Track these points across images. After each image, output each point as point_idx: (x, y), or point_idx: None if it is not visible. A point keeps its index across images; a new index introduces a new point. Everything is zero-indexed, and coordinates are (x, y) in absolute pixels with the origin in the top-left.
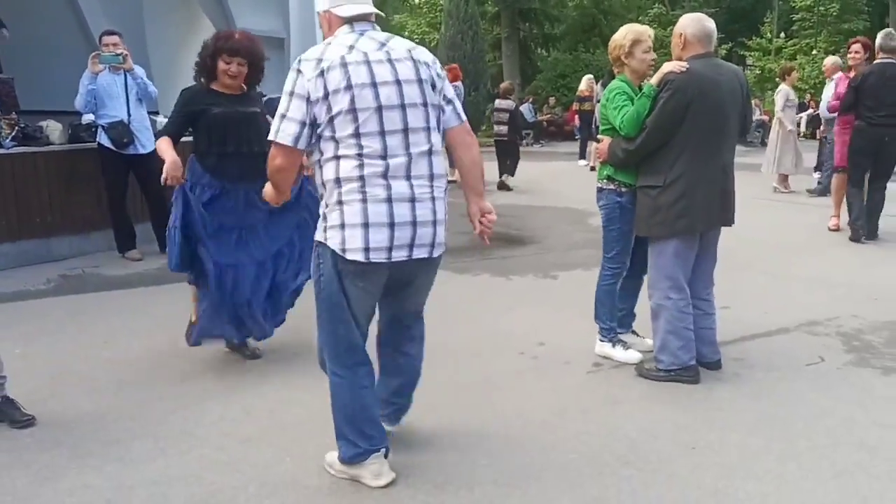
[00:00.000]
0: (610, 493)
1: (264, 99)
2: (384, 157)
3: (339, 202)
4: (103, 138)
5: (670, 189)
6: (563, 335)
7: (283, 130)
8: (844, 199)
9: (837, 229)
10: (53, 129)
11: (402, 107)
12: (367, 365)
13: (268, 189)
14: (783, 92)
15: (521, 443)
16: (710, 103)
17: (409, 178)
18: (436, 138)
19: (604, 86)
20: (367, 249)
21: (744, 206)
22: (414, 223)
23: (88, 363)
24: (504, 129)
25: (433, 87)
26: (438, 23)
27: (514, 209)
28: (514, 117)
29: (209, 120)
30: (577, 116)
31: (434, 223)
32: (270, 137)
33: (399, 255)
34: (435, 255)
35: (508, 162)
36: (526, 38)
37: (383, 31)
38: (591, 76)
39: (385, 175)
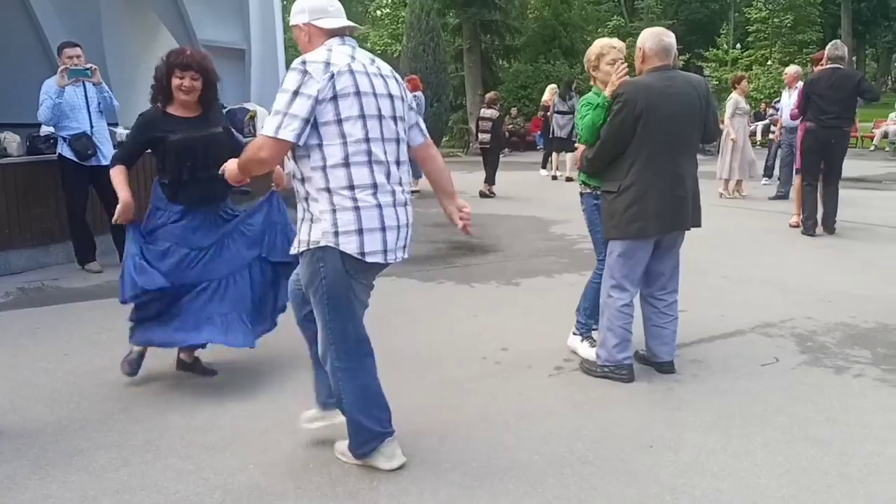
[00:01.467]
0: (571, 492)
1: (225, 110)
2: (387, 162)
3: (356, 207)
4: (65, 150)
5: (624, 195)
6: (525, 340)
7: (286, 127)
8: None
9: (798, 226)
10: (11, 141)
11: (395, 118)
12: (373, 355)
13: (232, 168)
14: (733, 100)
15: (485, 445)
16: (660, 115)
17: (399, 183)
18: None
19: (560, 96)
20: (385, 252)
21: (703, 212)
22: (407, 224)
23: (49, 375)
24: (487, 136)
25: (407, 105)
26: (401, 34)
27: (477, 218)
28: (496, 126)
29: (167, 147)
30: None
31: (411, 225)
32: (269, 133)
33: (401, 255)
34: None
35: (487, 169)
36: (487, 49)
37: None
38: (554, 86)
39: (388, 180)
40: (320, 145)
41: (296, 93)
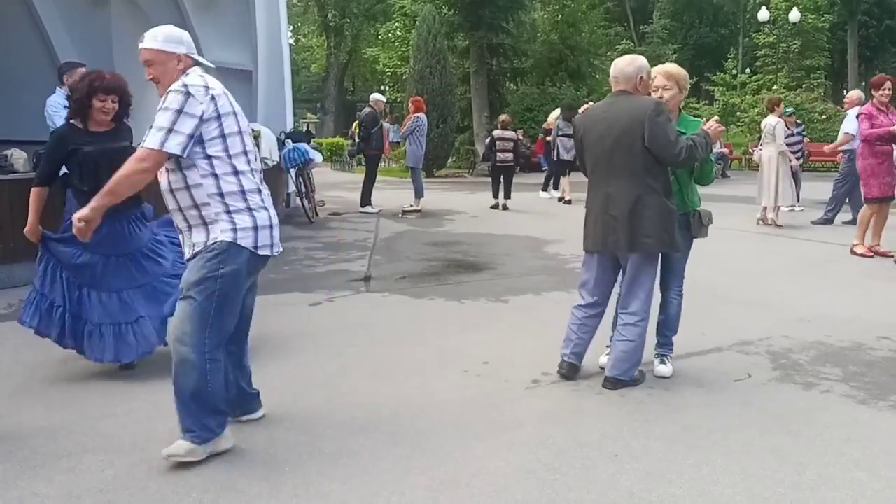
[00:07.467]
0: (533, 496)
1: None
2: (255, 170)
3: (249, 209)
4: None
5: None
6: (507, 355)
7: (170, 141)
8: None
9: (872, 255)
10: (18, 157)
11: (249, 134)
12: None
13: (108, 195)
14: (781, 125)
15: (455, 454)
16: (591, 138)
17: (263, 187)
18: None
19: (564, 119)
20: (272, 245)
21: (710, 237)
22: (277, 224)
23: (45, 383)
24: (510, 155)
25: None
26: (410, 56)
27: (473, 237)
28: (517, 146)
29: (81, 157)
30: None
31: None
32: (152, 146)
33: (277, 250)
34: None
35: (504, 186)
36: (494, 72)
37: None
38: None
39: (260, 185)
40: (209, 157)
41: (180, 111)
